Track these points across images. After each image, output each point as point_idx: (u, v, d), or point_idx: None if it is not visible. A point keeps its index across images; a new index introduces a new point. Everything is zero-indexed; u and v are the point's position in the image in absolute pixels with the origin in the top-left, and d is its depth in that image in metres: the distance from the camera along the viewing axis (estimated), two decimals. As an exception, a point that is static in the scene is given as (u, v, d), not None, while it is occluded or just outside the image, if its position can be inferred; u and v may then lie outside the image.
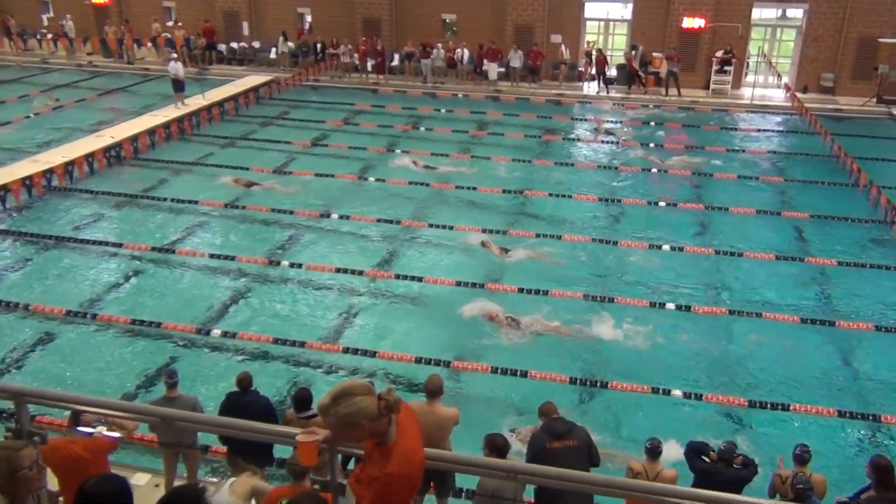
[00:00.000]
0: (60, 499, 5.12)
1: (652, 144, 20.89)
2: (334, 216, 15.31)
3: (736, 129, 22.94)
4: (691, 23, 26.07)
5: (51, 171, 16.60)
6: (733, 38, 25.97)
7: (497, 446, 6.12)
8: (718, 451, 6.63)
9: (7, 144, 19.79)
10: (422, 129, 22.42)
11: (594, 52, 26.80)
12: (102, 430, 5.89)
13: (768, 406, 9.49)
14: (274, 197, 16.32)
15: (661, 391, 9.72)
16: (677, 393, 9.69)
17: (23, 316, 11.45)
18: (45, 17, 33.09)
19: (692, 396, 9.66)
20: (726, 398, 9.67)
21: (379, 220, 15.07)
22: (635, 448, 7.77)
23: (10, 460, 3.40)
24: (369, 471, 3.39)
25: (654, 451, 6.66)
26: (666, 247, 14.09)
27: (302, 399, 6.93)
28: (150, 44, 30.44)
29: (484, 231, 14.50)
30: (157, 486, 7.08)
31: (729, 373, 10.41)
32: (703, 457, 6.68)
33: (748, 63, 27.24)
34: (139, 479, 7.12)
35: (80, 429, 5.63)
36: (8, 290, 12.23)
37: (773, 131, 22.92)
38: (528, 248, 13.90)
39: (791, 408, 9.43)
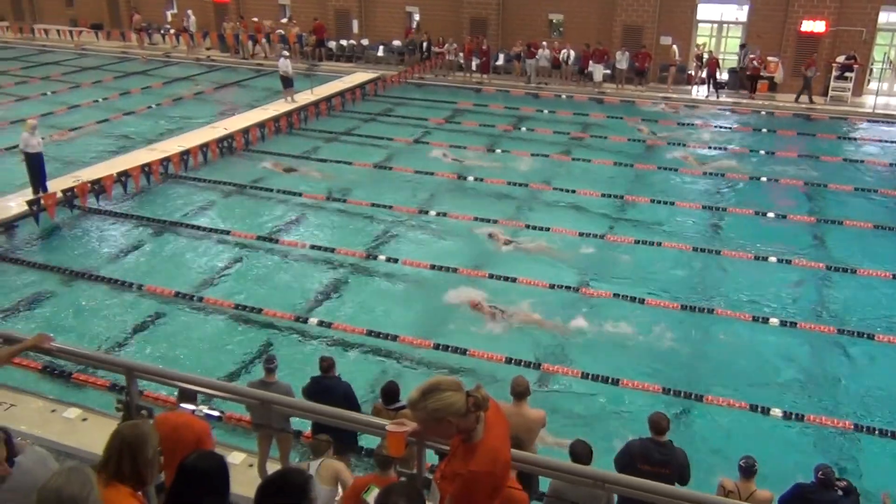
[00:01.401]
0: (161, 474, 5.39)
1: (762, 152, 20.09)
2: (432, 213, 15.47)
3: (855, 139, 21.77)
4: (811, 26, 24.89)
5: (168, 159, 17.49)
6: (856, 42, 24.63)
7: (576, 453, 6.03)
8: (818, 475, 6.31)
9: (129, 133, 21.01)
10: (523, 129, 22.34)
11: (705, 55, 26.01)
12: (203, 408, 6.17)
13: (876, 432, 8.98)
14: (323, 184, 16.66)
15: (759, 409, 9.35)
16: (777, 412, 9.30)
17: (137, 295, 12.12)
18: (168, 13, 34.88)
19: (793, 416, 9.25)
20: (831, 420, 9.20)
21: (476, 219, 15.13)
22: (728, 465, 7.50)
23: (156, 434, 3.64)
24: (453, 466, 3.40)
25: (748, 470, 6.41)
26: (772, 259, 13.52)
27: (389, 392, 7.05)
28: (264, 40, 31.59)
29: (582, 234, 14.37)
30: (251, 465, 7.36)
31: (835, 395, 9.89)
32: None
33: (871, 69, 25.74)
34: (235, 458, 7.43)
35: (183, 405, 5.91)
36: (125, 270, 12.97)
37: (897, 142, 21.63)
38: (531, 240, 14.21)
39: (902, 436, 8.90)
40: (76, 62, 30.57)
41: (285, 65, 23.38)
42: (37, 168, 15.32)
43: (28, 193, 15.22)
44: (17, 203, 15.08)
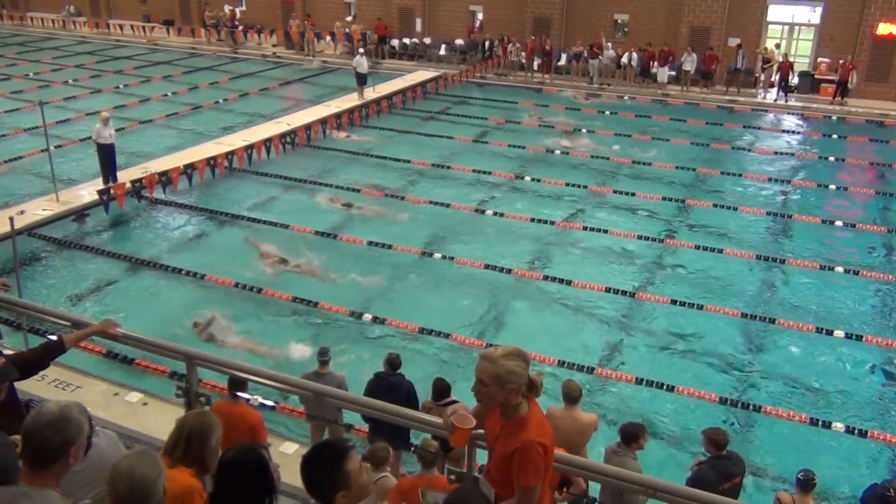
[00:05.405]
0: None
1: (832, 158, 19.48)
2: (489, 213, 15.44)
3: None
4: (888, 29, 24.00)
5: (232, 153, 17.86)
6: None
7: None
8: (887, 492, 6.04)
9: (196, 127, 21.55)
10: (583, 129, 22.11)
11: (777, 58, 25.32)
12: (258, 398, 6.29)
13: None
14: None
15: (820, 423, 9.07)
16: (838, 426, 9.00)
17: (201, 285, 12.41)
18: (238, 10, 35.62)
19: (855, 432, 8.94)
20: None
21: (533, 220, 15.05)
22: (786, 479, 7.31)
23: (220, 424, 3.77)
24: (501, 448, 3.46)
25: (806, 484, 6.20)
26: (839, 269, 13.10)
27: (439, 389, 7.09)
28: (328, 37, 32.00)
29: (642, 237, 14.16)
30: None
31: (901, 412, 9.54)
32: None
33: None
34: (288, 448, 7.55)
35: (238, 394, 6.02)
36: (188, 260, 13.28)
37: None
38: (373, 206, 15.56)
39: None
40: (148, 57, 31.52)
41: (359, 62, 23.97)
42: (108, 159, 15.84)
43: (99, 183, 15.75)
44: (88, 192, 15.61)
